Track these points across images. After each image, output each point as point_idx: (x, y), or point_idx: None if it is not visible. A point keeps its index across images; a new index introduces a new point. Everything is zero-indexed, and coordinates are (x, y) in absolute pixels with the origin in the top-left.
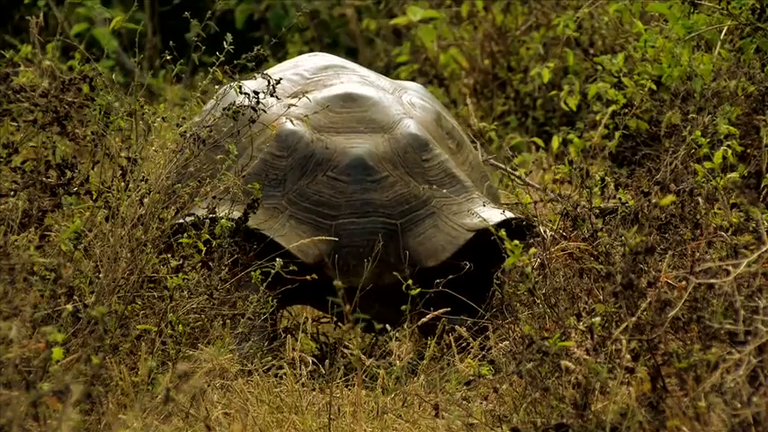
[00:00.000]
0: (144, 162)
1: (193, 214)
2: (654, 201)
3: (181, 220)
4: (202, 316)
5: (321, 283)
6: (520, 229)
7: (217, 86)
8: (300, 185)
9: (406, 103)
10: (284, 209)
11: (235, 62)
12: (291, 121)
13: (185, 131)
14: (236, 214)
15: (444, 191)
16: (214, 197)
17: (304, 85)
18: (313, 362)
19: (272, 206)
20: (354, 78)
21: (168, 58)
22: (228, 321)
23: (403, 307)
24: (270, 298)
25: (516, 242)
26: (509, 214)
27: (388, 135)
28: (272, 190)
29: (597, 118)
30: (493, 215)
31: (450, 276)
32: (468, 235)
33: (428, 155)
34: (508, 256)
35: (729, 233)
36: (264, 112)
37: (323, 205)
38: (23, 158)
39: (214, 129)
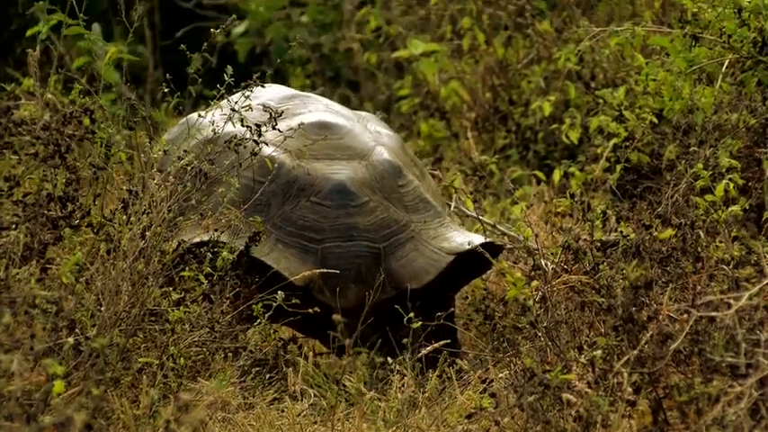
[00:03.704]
0: (145, 194)
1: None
2: (655, 234)
3: (198, 239)
4: (204, 349)
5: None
6: (493, 252)
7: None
8: (285, 210)
9: (374, 131)
10: (270, 233)
11: (233, 90)
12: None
13: (187, 165)
14: (240, 243)
15: (420, 216)
16: (216, 230)
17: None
18: (314, 394)
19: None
20: (321, 107)
21: (166, 90)
22: (230, 354)
23: (405, 340)
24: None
25: (518, 275)
26: (485, 239)
27: (365, 162)
28: (257, 215)
29: (598, 151)
30: (471, 239)
31: (448, 312)
32: (449, 258)
33: (403, 181)
34: (477, 276)
35: (731, 266)
36: (266, 144)
37: (308, 229)
38: (25, 191)
39: (205, 161)
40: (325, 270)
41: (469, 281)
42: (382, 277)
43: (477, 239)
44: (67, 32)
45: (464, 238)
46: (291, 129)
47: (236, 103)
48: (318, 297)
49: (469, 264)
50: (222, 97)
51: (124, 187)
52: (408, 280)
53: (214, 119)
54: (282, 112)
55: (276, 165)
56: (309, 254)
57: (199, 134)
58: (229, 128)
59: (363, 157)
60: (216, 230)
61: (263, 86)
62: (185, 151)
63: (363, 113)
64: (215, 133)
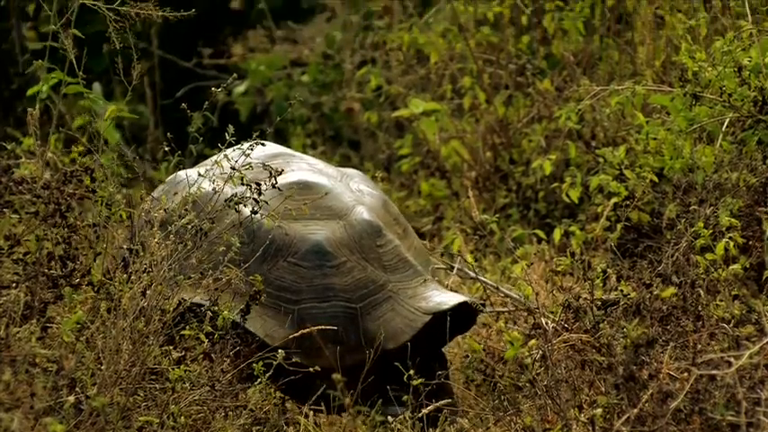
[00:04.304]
0: (146, 253)
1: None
2: (655, 292)
3: (198, 300)
4: (205, 408)
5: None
6: (473, 311)
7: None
8: (263, 271)
9: (356, 190)
10: (248, 293)
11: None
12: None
13: (188, 224)
14: (239, 307)
15: (399, 275)
16: (216, 289)
17: (257, 173)
18: None
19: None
20: (304, 166)
21: (167, 149)
22: (231, 413)
23: (405, 397)
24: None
25: (515, 334)
26: (464, 297)
27: (344, 222)
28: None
29: (599, 210)
30: (449, 298)
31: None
32: (426, 318)
33: (382, 240)
34: (455, 336)
35: (731, 325)
36: (266, 203)
37: (285, 290)
38: (25, 250)
39: (206, 220)
40: (319, 328)
41: (453, 338)
42: (382, 336)
43: (457, 298)
44: (67, 91)
45: (443, 297)
46: (275, 188)
47: (235, 161)
48: (295, 358)
49: (454, 322)
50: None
51: (124, 246)
52: (385, 340)
53: (204, 176)
54: (282, 170)
55: (255, 225)
56: (286, 315)
57: (190, 191)
58: (225, 185)
59: (342, 216)
60: (216, 290)
61: (263, 145)
62: (186, 210)
63: (349, 171)
64: (215, 191)
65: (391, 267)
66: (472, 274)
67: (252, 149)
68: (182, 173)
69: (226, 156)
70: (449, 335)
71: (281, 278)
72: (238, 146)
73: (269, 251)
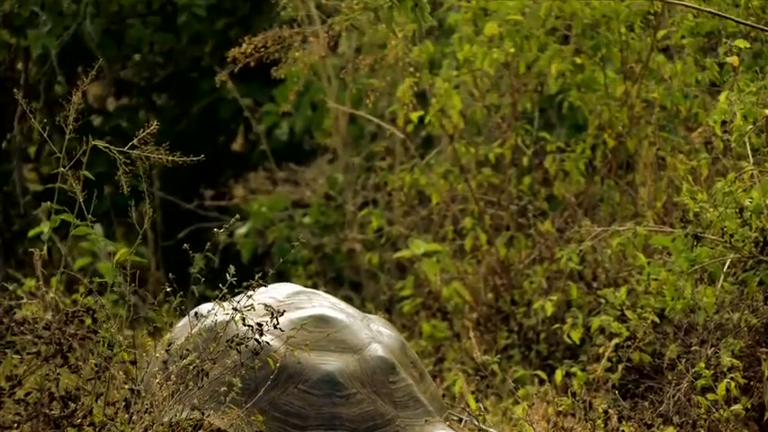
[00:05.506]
0: (147, 394)
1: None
2: None
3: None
4: None
5: None
6: None
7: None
8: (272, 396)
9: (374, 330)
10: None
11: (235, 290)
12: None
13: (190, 364)
14: None
15: (408, 413)
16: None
17: (277, 307)
18: None
19: (244, 414)
20: (326, 303)
21: (169, 290)
22: None
23: None
24: None
25: None
26: None
27: (358, 356)
28: (245, 398)
29: (600, 351)
30: None
31: None
32: None
33: (395, 377)
34: None
35: None
36: (268, 344)
37: (292, 416)
38: (26, 390)
39: (209, 359)
40: None
41: None
42: None
43: None
44: (76, 233)
45: None
46: (291, 322)
47: (239, 302)
48: None
49: None
50: (225, 297)
51: (126, 386)
52: None
53: (218, 317)
54: (284, 311)
55: (267, 352)
56: None
57: (202, 330)
58: (233, 326)
59: (357, 351)
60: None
61: (264, 286)
62: (187, 350)
63: (372, 316)
64: (217, 333)
65: (402, 404)
66: (475, 422)
67: (254, 291)
68: (203, 307)
69: (227, 298)
70: None
71: (289, 403)
72: (259, 287)
73: (280, 378)
